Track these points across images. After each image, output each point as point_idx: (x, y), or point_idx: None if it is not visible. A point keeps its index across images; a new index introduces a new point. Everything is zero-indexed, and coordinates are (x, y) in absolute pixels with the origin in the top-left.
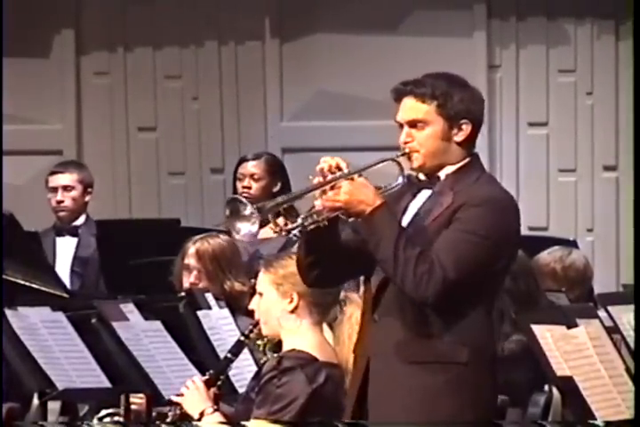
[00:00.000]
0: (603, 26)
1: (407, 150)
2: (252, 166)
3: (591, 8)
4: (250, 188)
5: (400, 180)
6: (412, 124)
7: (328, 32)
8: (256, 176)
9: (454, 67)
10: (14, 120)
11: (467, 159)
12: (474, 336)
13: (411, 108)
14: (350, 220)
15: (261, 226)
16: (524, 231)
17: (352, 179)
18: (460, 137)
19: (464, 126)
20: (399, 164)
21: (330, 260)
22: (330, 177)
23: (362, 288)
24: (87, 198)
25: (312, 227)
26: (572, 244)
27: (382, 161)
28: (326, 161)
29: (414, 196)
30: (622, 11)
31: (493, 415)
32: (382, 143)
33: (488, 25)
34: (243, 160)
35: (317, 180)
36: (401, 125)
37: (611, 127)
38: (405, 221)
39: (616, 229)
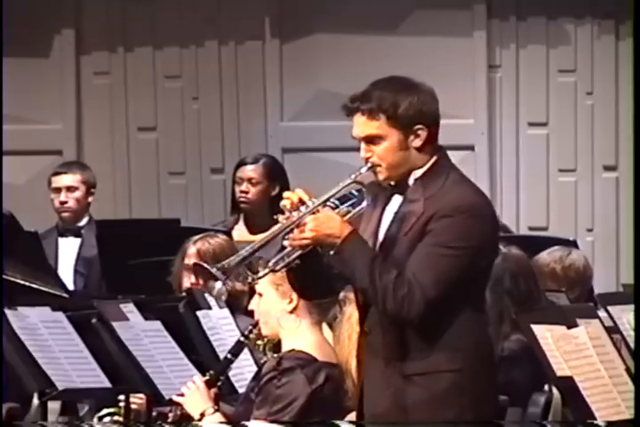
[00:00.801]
0: (603, 26)
1: (370, 164)
2: (249, 170)
3: (591, 8)
4: (247, 192)
5: (364, 204)
6: (369, 139)
7: (328, 32)
8: (254, 180)
9: (454, 67)
10: (14, 120)
11: (432, 159)
12: (465, 341)
13: (362, 124)
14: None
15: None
16: (524, 231)
17: (317, 211)
18: (417, 143)
19: (419, 132)
20: (363, 186)
21: (319, 281)
22: (295, 216)
23: None
24: (90, 199)
25: (284, 269)
26: (572, 244)
27: (344, 186)
28: (288, 197)
29: (389, 199)
30: (622, 11)
31: (495, 415)
32: None
33: (488, 25)
34: (241, 164)
35: (282, 218)
36: (358, 140)
37: (611, 127)
38: (383, 229)
39: (616, 229)
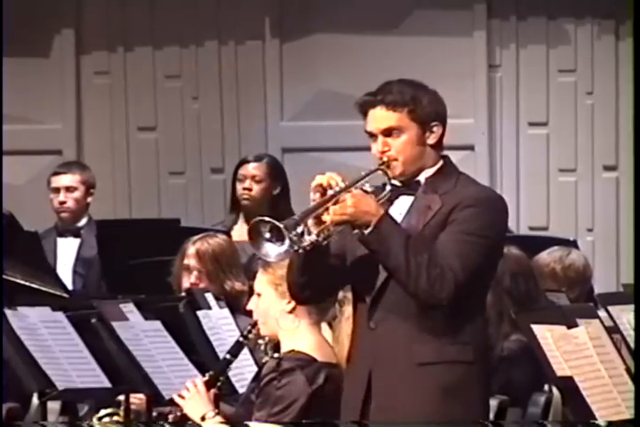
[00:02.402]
0: (603, 26)
1: (385, 159)
2: (253, 168)
3: (591, 8)
4: (250, 189)
5: (388, 188)
6: (387, 132)
7: (328, 32)
8: (257, 178)
9: (454, 66)
10: (14, 120)
11: (441, 161)
12: (475, 335)
13: (383, 117)
14: (354, 232)
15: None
16: (524, 231)
17: (351, 191)
18: (432, 140)
19: (435, 129)
20: (386, 172)
21: (322, 278)
22: (332, 192)
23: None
24: (89, 199)
25: (325, 242)
26: (573, 244)
27: (372, 171)
28: (322, 178)
29: (392, 202)
30: (622, 11)
31: (486, 416)
32: None
33: (488, 25)
34: (244, 161)
35: (317, 196)
36: (372, 135)
37: (611, 127)
38: None
39: (616, 229)
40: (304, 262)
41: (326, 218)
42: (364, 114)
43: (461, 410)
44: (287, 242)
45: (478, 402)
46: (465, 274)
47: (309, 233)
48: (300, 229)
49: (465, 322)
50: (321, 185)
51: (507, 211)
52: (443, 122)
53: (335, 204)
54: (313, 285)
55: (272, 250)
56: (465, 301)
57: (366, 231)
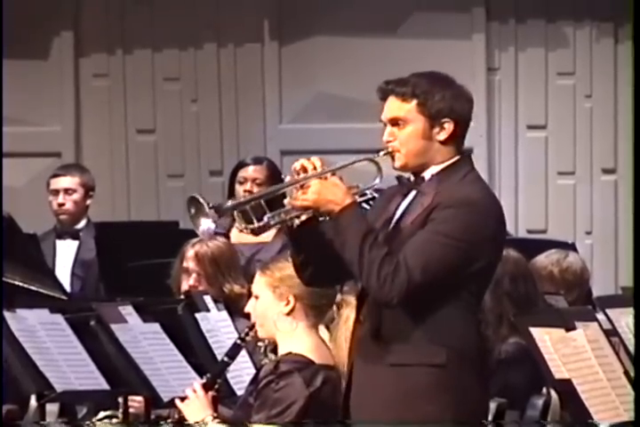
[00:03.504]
0: (602, 29)
1: (390, 149)
2: (254, 171)
3: (590, 11)
4: (252, 192)
5: (377, 180)
6: (394, 122)
7: (327, 34)
8: (258, 181)
9: (453, 69)
10: (13, 122)
11: (454, 159)
12: (453, 338)
13: (393, 106)
14: (320, 219)
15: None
16: (522, 234)
17: (324, 178)
18: (442, 136)
19: (446, 125)
20: (377, 164)
21: (320, 259)
22: (300, 176)
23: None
24: (88, 202)
25: (277, 226)
26: (571, 247)
27: (359, 160)
28: (301, 162)
29: (405, 196)
30: (621, 14)
31: (483, 417)
32: (381, 146)
33: (487, 27)
34: (243, 164)
35: (289, 178)
36: (384, 124)
37: (610, 130)
38: (395, 220)
39: (615, 232)
40: (293, 241)
41: (285, 202)
42: (384, 101)
43: (426, 414)
44: (210, 220)
45: (448, 408)
46: (423, 275)
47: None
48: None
49: (441, 325)
50: (295, 169)
51: (498, 217)
52: (458, 119)
53: (302, 188)
54: (312, 264)
55: (204, 224)
56: (442, 301)
57: (326, 219)
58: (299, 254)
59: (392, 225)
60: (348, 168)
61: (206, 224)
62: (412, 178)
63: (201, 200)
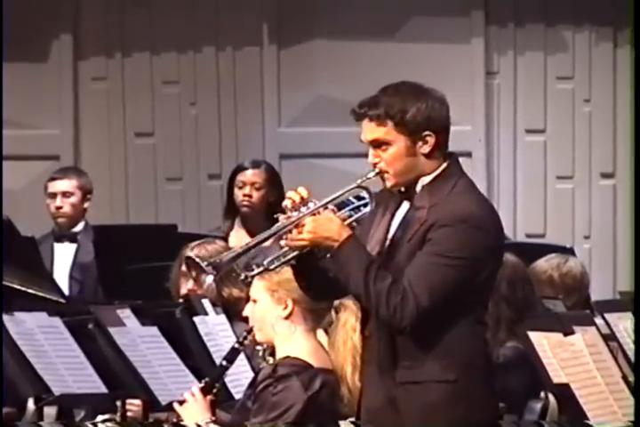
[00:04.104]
0: (601, 33)
1: (377, 170)
2: (252, 175)
3: (589, 15)
4: (251, 196)
5: (369, 208)
6: (376, 144)
7: (326, 38)
8: (257, 185)
9: (452, 73)
10: (11, 125)
11: (442, 166)
12: (463, 352)
13: (370, 129)
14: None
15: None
16: (521, 238)
17: (318, 213)
18: (426, 149)
19: (427, 138)
20: (367, 190)
21: (322, 282)
22: (293, 217)
23: None
24: (86, 205)
25: (278, 269)
26: (570, 251)
27: (348, 190)
28: (290, 197)
29: (399, 205)
30: (620, 18)
31: (495, 424)
32: None
33: (486, 31)
34: (241, 168)
35: (282, 217)
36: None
37: (608, 134)
38: (390, 235)
39: (613, 237)
40: (294, 270)
41: (283, 243)
42: (359, 122)
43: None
44: (210, 277)
45: (464, 419)
46: (431, 300)
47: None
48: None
49: (450, 340)
50: (286, 207)
51: (495, 227)
52: (438, 129)
53: (296, 227)
54: (315, 286)
55: (207, 280)
56: (447, 318)
57: (327, 256)
58: (300, 280)
59: (388, 242)
60: (346, 169)
61: (210, 280)
62: (402, 189)
63: (197, 260)
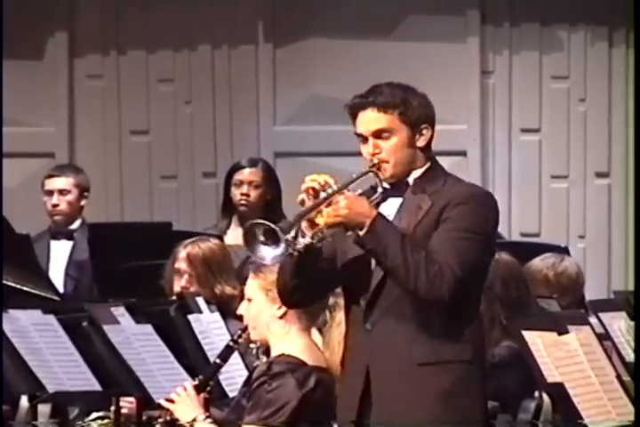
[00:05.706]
0: (596, 32)
1: (376, 161)
2: (250, 173)
3: (585, 15)
4: (248, 195)
5: (380, 190)
6: (377, 134)
7: (322, 36)
8: (255, 183)
9: (448, 72)
10: (7, 122)
11: (429, 162)
12: (473, 333)
13: (374, 118)
14: (348, 233)
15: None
16: (515, 237)
17: (343, 193)
18: (422, 142)
19: (424, 131)
20: (377, 174)
21: (312, 282)
22: (324, 194)
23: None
24: (83, 202)
25: (319, 244)
26: (564, 250)
27: (364, 173)
28: (314, 179)
29: (378, 205)
30: (616, 17)
31: (486, 413)
32: None
33: (481, 31)
34: (238, 167)
35: (303, 197)
36: (362, 138)
37: (603, 134)
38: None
39: (608, 236)
40: (296, 265)
41: (320, 220)
42: (354, 116)
43: (462, 409)
44: (282, 245)
45: (478, 400)
46: (463, 270)
47: (303, 236)
48: (294, 232)
49: (462, 320)
50: (313, 188)
51: (496, 206)
52: (432, 125)
53: (328, 206)
54: (303, 288)
55: (267, 253)
56: (461, 298)
57: (361, 232)
58: (295, 278)
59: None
60: (341, 167)
61: (271, 253)
62: (386, 185)
63: (269, 223)
